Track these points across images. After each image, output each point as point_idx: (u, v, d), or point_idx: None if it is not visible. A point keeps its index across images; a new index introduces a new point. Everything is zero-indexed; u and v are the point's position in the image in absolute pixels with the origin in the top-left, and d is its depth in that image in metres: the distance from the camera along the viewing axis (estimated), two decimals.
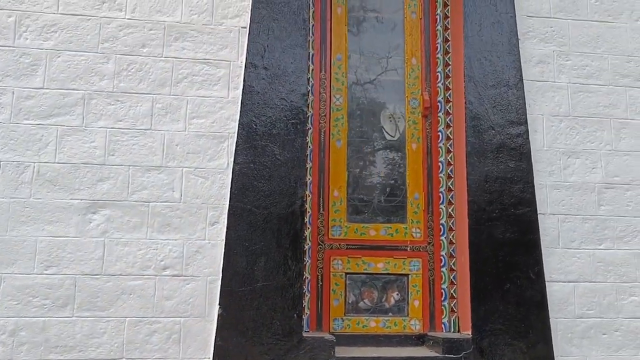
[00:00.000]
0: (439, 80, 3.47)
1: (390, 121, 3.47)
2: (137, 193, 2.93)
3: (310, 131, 3.30)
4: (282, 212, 2.97)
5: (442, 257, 3.30)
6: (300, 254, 2.96)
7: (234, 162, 2.98)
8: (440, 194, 3.37)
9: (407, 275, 3.29)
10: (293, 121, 3.06)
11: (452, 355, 2.96)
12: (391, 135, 3.46)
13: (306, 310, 3.13)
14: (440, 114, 3.44)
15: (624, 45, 3.44)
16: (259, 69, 3.08)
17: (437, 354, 2.99)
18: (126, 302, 2.84)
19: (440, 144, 3.41)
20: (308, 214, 3.22)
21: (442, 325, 3.24)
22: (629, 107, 3.38)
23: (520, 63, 3.29)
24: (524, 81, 3.28)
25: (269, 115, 3.05)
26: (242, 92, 3.05)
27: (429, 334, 3.18)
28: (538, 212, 3.16)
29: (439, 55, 3.50)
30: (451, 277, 3.26)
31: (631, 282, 3.20)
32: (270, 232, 2.95)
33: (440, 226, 3.34)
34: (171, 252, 2.90)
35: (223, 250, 2.90)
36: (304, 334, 2.92)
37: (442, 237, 3.32)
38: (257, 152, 3.01)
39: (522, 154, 3.20)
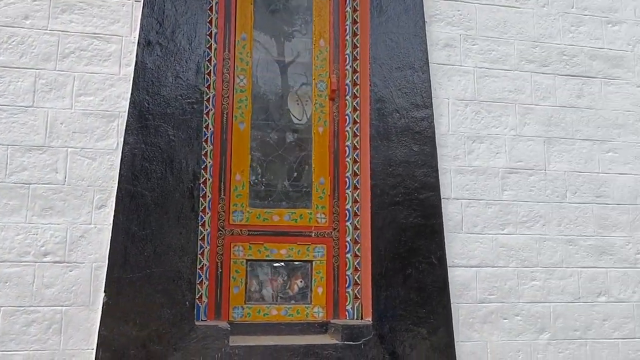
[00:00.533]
0: (347, 62, 3.39)
1: (297, 104, 3.37)
2: (16, 174, 2.73)
3: (211, 112, 3.17)
4: (175, 195, 2.84)
5: (347, 243, 3.23)
6: (194, 239, 2.83)
7: (124, 142, 2.83)
8: (347, 179, 3.29)
9: (311, 261, 3.19)
10: (189, 100, 2.92)
11: (351, 342, 2.90)
12: (298, 119, 3.36)
13: (204, 299, 3.00)
14: (347, 97, 3.35)
15: (530, 30, 3.44)
16: (153, 45, 2.93)
17: (337, 342, 2.91)
18: (1, 290, 2.64)
19: (347, 128, 3.33)
20: (208, 198, 3.09)
21: (346, 313, 3.17)
22: (534, 92, 3.38)
23: (426, 46, 3.24)
24: (429, 64, 3.23)
25: (162, 93, 2.90)
26: (134, 69, 2.89)
27: (332, 321, 3.10)
28: (442, 196, 3.13)
29: (347, 37, 3.41)
30: (355, 263, 3.19)
31: (532, 266, 3.20)
32: (163, 216, 2.81)
33: (346, 211, 3.26)
34: (53, 237, 2.72)
35: (110, 235, 2.74)
36: (197, 323, 2.80)
37: (348, 223, 3.24)
38: (149, 132, 2.86)
39: (426, 138, 3.16)
